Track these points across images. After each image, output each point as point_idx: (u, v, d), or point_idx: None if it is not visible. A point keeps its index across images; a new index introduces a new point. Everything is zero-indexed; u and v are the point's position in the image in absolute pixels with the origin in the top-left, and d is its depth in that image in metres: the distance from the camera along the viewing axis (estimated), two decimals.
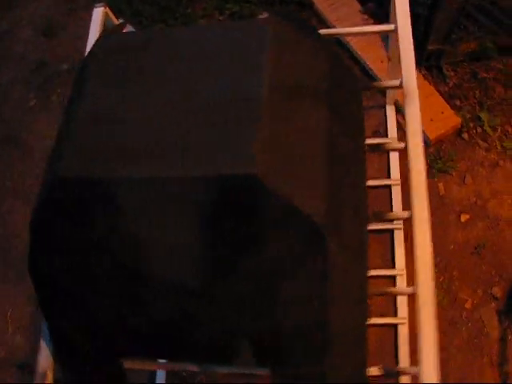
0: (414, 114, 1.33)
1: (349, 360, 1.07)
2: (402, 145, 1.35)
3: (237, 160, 0.88)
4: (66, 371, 1.23)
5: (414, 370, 1.16)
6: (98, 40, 1.11)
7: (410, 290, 1.21)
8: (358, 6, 2.22)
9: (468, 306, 1.85)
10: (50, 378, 1.26)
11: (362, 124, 1.18)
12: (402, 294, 1.21)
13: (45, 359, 1.26)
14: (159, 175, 0.90)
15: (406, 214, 1.28)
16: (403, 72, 1.38)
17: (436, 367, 1.13)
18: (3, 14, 2.64)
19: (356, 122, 1.15)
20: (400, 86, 1.38)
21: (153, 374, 1.93)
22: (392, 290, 1.41)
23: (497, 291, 1.84)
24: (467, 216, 1.93)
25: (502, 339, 1.80)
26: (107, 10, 1.60)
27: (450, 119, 2.01)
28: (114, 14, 1.64)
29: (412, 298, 1.82)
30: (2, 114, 2.45)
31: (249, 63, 0.99)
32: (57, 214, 0.97)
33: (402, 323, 1.83)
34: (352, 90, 1.18)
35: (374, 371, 1.17)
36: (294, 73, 1.02)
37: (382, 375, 1.17)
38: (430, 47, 1.97)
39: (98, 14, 1.57)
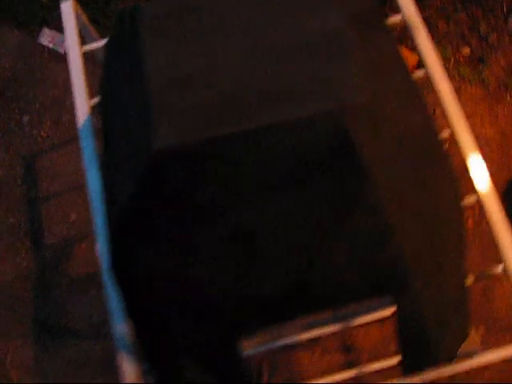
0: (425, 43, 1.39)
1: (457, 273, 1.10)
2: (421, 73, 1.41)
3: (349, 91, 0.87)
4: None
5: (499, 268, 1.23)
6: (135, 10, 1.02)
7: (473, 198, 1.26)
8: None
9: (471, 223, 1.96)
10: None
11: None
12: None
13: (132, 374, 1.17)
14: (275, 121, 0.86)
15: (446, 133, 1.33)
16: (404, 9, 1.42)
17: None
18: None
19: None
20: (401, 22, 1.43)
21: None
22: None
23: None
24: (446, 145, 2.04)
25: None
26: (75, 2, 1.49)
27: (409, 58, 2.11)
28: None
29: None
30: None
31: (312, 4, 0.97)
32: (159, 190, 0.89)
33: None
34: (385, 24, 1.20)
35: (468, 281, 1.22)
36: (355, 7, 1.02)
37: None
38: None
39: (68, 7, 1.46)
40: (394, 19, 1.45)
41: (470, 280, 1.22)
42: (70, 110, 2.19)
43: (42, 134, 2.17)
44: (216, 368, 1.08)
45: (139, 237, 0.94)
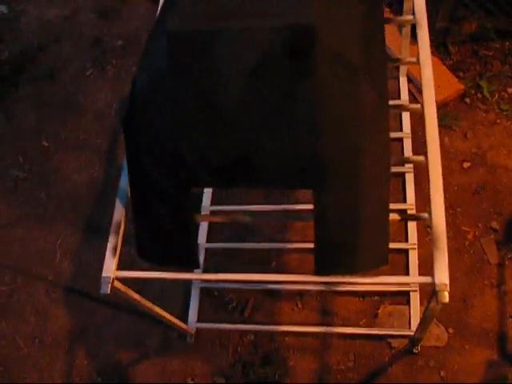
0: (425, 39, 1.63)
1: (377, 192, 1.34)
2: (418, 105, 1.66)
3: (301, 15, 1.21)
4: (138, 216, 1.48)
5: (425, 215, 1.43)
6: None
7: (426, 215, 1.46)
8: None
9: (470, 237, 2.11)
10: (122, 228, 1.53)
11: (384, 25, 1.50)
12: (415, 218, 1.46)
13: (119, 212, 1.54)
14: (246, 26, 1.22)
15: (421, 158, 1.55)
16: (416, 8, 1.69)
17: None
18: (68, 1, 3.04)
19: (380, 20, 1.48)
20: (412, 20, 1.70)
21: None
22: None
23: (495, 225, 2.11)
24: (469, 164, 2.23)
25: (501, 264, 2.05)
26: None
27: (455, 86, 2.35)
28: None
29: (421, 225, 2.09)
30: (62, 80, 2.80)
31: None
32: (164, 62, 1.28)
33: (413, 248, 2.09)
34: (379, 13, 1.51)
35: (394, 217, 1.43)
36: None
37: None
38: (437, 25, 2.33)
39: None
40: (408, 17, 1.73)
41: (395, 216, 1.43)
42: None
43: None
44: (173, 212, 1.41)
45: (149, 93, 1.33)
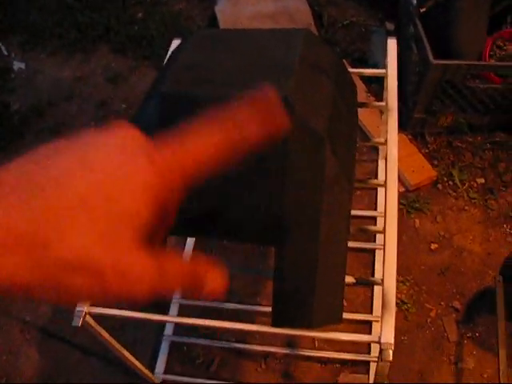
0: (393, 125, 1.82)
1: (335, 253, 1.46)
2: (382, 182, 1.82)
3: (280, 88, 1.38)
4: None
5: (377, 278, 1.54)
6: (195, 32, 1.66)
7: (379, 280, 1.59)
8: (363, 86, 2.84)
9: (432, 314, 2.20)
10: None
11: (356, 109, 1.69)
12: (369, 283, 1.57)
13: None
14: (220, 94, 1.39)
15: (379, 228, 1.69)
16: (388, 95, 1.89)
17: None
18: (81, 65, 3.29)
19: (352, 104, 1.66)
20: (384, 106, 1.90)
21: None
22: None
23: (457, 304, 2.21)
24: (436, 245, 2.36)
25: (459, 343, 2.13)
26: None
27: (429, 172, 2.52)
28: None
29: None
30: (65, 135, 2.98)
31: (288, 46, 1.52)
32: (155, 117, 1.44)
33: (376, 321, 2.17)
34: (351, 84, 1.70)
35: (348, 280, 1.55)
36: (316, 58, 1.54)
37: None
38: (415, 115, 2.54)
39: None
40: (380, 104, 1.93)
41: (350, 279, 1.54)
42: None
43: None
44: None
45: None
